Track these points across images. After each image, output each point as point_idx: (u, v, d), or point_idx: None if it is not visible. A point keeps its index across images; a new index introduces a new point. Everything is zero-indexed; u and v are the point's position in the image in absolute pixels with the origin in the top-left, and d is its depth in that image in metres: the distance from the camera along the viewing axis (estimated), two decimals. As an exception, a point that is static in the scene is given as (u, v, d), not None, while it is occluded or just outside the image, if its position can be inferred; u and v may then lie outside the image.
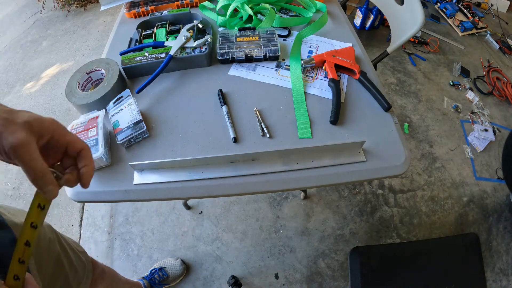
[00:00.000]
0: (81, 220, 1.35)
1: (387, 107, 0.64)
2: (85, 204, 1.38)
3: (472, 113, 1.67)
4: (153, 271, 1.11)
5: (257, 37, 0.77)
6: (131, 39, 0.81)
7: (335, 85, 0.67)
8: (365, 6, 2.00)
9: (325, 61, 0.72)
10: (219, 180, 0.56)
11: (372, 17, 2.02)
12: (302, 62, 0.74)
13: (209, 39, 0.74)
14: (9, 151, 0.27)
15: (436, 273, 0.78)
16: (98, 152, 0.54)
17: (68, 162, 0.34)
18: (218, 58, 0.74)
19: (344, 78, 0.73)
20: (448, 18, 2.23)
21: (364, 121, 0.64)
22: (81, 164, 0.33)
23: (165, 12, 0.86)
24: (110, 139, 0.62)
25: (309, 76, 0.73)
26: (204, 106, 0.68)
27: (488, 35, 2.11)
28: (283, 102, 0.68)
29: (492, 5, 2.31)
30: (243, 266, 1.19)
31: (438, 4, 2.33)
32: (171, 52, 0.71)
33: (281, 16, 0.86)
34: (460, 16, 2.23)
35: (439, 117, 1.65)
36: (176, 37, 0.76)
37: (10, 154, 0.28)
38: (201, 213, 1.32)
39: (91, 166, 0.34)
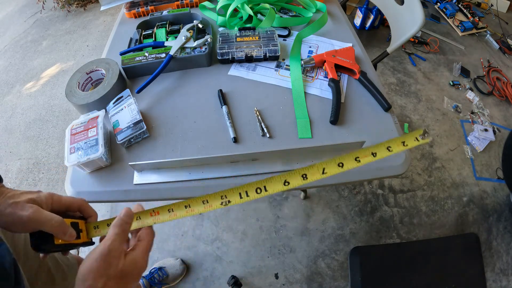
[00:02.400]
0: (81, 220, 1.35)
1: (387, 107, 0.64)
2: (85, 204, 1.38)
3: (472, 113, 1.67)
4: (152, 270, 1.11)
5: (257, 37, 0.77)
6: (131, 39, 0.81)
7: (335, 85, 0.67)
8: (365, 6, 2.00)
9: (325, 61, 0.72)
10: (219, 180, 0.56)
11: (372, 17, 2.02)
12: (302, 62, 0.74)
13: (209, 39, 0.74)
14: (28, 222, 0.35)
15: (436, 273, 0.78)
16: (98, 152, 0.54)
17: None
18: (218, 58, 0.74)
19: (344, 78, 0.73)
20: (448, 18, 2.23)
21: (364, 121, 0.64)
22: (86, 215, 0.43)
23: (165, 12, 0.86)
24: (110, 139, 0.62)
25: (309, 76, 0.73)
26: (204, 106, 0.68)
27: (488, 35, 2.11)
28: (283, 102, 0.68)
29: (492, 5, 2.31)
30: (243, 266, 1.19)
31: (438, 4, 2.33)
32: (171, 52, 0.71)
33: (281, 16, 0.86)
34: (460, 16, 2.23)
35: (439, 117, 1.65)
36: (176, 37, 0.76)
37: (29, 224, 0.36)
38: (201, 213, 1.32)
39: (94, 214, 0.43)
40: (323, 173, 0.39)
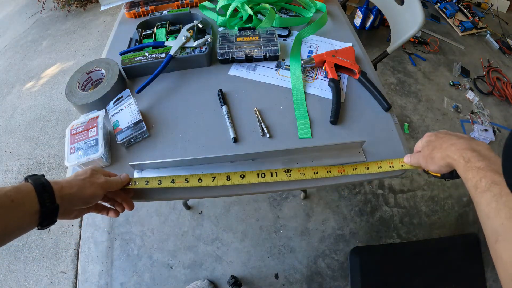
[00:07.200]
0: (81, 220, 1.35)
1: (387, 107, 0.64)
2: (85, 204, 1.38)
3: (472, 113, 1.67)
4: None
5: (257, 37, 0.77)
6: (131, 39, 0.81)
7: (335, 85, 0.67)
8: (365, 6, 2.00)
9: (325, 61, 0.72)
10: (219, 180, 0.56)
11: (372, 17, 2.02)
12: (302, 62, 0.74)
13: (209, 39, 0.74)
14: (104, 185, 0.46)
15: (436, 273, 0.78)
16: (98, 152, 0.54)
17: None
18: (218, 58, 0.74)
19: (344, 78, 0.73)
20: (448, 18, 2.23)
21: (364, 121, 0.64)
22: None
23: (165, 12, 0.86)
24: (110, 139, 0.62)
25: (309, 76, 0.73)
26: (204, 106, 0.68)
27: (488, 35, 2.11)
28: (283, 102, 0.68)
29: (492, 5, 2.31)
30: (243, 266, 1.19)
31: (438, 4, 2.33)
32: (171, 52, 0.71)
33: (281, 16, 0.86)
34: (460, 16, 2.23)
35: (439, 117, 1.65)
36: (176, 37, 0.76)
37: (104, 187, 0.46)
38: (201, 213, 1.32)
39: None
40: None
